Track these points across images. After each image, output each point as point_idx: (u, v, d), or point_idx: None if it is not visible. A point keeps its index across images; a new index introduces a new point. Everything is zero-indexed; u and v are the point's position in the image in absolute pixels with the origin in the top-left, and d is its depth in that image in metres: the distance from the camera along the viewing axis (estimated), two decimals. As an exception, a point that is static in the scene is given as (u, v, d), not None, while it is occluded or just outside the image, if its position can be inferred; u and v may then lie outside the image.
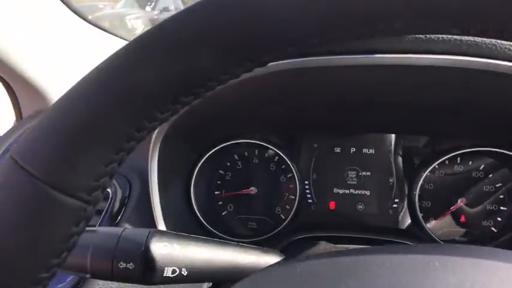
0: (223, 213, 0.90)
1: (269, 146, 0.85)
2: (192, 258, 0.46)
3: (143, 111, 0.24)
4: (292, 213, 0.85)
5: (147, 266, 0.43)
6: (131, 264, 0.44)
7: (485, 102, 0.60)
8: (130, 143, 0.25)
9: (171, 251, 0.45)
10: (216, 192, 0.90)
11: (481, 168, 0.84)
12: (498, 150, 0.75)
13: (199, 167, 0.81)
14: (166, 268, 0.45)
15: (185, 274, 0.46)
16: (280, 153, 0.85)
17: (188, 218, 0.78)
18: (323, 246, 0.70)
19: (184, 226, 0.74)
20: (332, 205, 0.90)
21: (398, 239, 0.83)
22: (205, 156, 0.81)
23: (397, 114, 0.73)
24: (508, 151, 0.74)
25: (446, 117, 0.70)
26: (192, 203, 0.79)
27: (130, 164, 0.69)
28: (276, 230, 0.84)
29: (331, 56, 0.53)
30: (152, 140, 0.64)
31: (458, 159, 0.85)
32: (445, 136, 0.81)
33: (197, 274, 0.47)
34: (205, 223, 0.80)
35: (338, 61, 0.52)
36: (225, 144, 0.82)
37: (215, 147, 0.81)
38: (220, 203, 0.90)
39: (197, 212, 0.80)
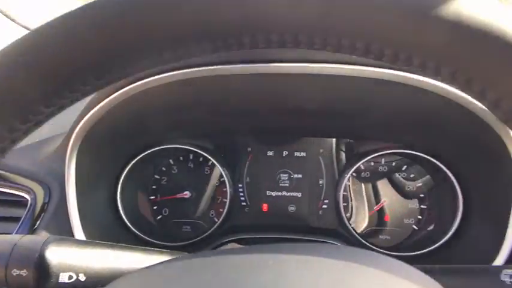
0: (158, 218, 0.91)
1: (198, 151, 0.86)
2: (91, 263, 0.47)
3: (33, 100, 0.26)
4: (223, 216, 0.87)
5: (41, 273, 0.44)
6: (25, 271, 0.44)
7: (387, 108, 0.64)
8: (27, 124, 0.27)
9: (68, 257, 0.46)
10: (151, 197, 0.91)
11: (403, 169, 0.88)
12: (411, 152, 0.80)
13: (128, 172, 0.82)
14: (61, 274, 0.45)
15: (83, 280, 0.47)
16: (210, 158, 0.86)
17: (114, 224, 0.78)
18: (230, 246, 0.73)
19: (110, 233, 0.75)
20: (265, 207, 0.92)
21: (327, 239, 0.87)
22: (132, 162, 0.81)
23: (316, 119, 0.76)
24: (420, 153, 0.79)
25: (361, 121, 0.73)
26: (118, 209, 0.80)
27: (51, 171, 0.69)
28: (207, 233, 0.85)
29: (234, 65, 0.56)
30: (70, 146, 0.64)
31: (383, 160, 0.89)
32: (367, 139, 0.85)
33: (97, 279, 0.48)
34: (133, 229, 0.81)
35: (239, 70, 0.55)
36: (152, 150, 0.83)
37: (142, 153, 0.82)
38: (156, 207, 0.91)
39: (124, 218, 0.80)
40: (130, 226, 0.80)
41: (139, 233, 0.81)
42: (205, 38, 0.26)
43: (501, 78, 0.24)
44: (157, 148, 0.83)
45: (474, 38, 0.23)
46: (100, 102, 0.60)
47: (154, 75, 0.57)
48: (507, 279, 0.41)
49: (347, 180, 0.85)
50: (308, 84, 0.60)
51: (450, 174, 0.75)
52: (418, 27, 0.24)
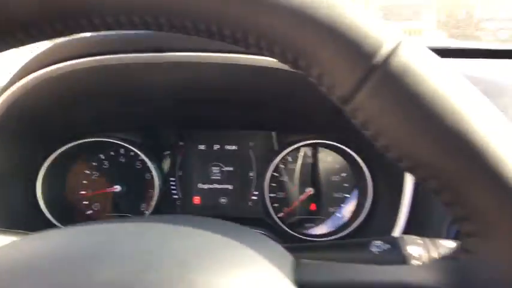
0: (88, 212, 0.91)
1: (125, 145, 0.87)
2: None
3: None
4: (152, 208, 0.88)
5: None
6: None
7: (290, 99, 0.67)
8: None
9: None
10: (82, 192, 0.92)
11: (329, 159, 0.92)
12: (330, 142, 0.83)
13: (50, 166, 0.82)
14: None
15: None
16: (138, 152, 0.88)
17: (35, 218, 0.78)
18: None
19: (30, 226, 0.75)
20: (196, 200, 0.95)
21: (255, 229, 0.89)
22: (53, 156, 0.81)
23: (234, 112, 0.79)
24: (337, 143, 0.83)
25: (274, 112, 0.76)
26: (38, 204, 0.80)
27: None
28: (135, 225, 0.86)
29: (135, 54, 0.58)
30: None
31: (309, 152, 0.92)
32: (292, 131, 0.88)
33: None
34: (58, 224, 0.81)
35: (135, 59, 0.57)
36: (76, 143, 0.84)
37: (63, 146, 0.82)
38: (86, 202, 0.92)
39: (47, 212, 0.80)
40: (54, 220, 0.80)
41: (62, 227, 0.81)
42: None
43: (319, 55, 0.26)
44: (82, 141, 0.84)
45: (291, 16, 0.26)
46: (3, 92, 0.60)
47: (55, 63, 0.58)
48: (375, 249, 0.44)
49: (272, 171, 0.88)
50: (211, 74, 0.62)
51: (361, 161, 0.79)
52: (246, 8, 0.26)
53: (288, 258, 0.35)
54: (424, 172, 0.25)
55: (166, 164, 0.94)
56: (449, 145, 0.24)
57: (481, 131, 0.23)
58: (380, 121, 0.25)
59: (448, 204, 0.26)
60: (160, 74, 0.60)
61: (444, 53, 1.02)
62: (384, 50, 0.24)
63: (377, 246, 0.45)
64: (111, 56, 0.56)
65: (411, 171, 0.26)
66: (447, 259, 0.29)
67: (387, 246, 0.43)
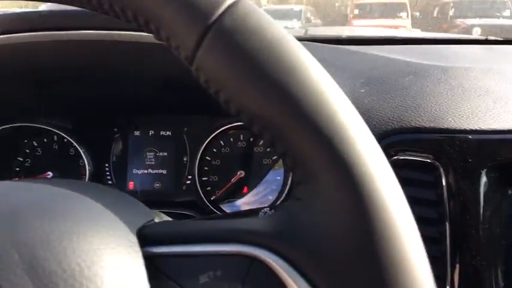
0: (20, 199, 0.91)
1: (55, 131, 0.88)
2: None
3: None
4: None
5: None
6: None
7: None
8: None
9: None
10: (15, 179, 0.92)
11: (260, 143, 0.94)
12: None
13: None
14: None
15: None
16: (67, 137, 0.88)
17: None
18: None
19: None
20: (131, 185, 0.95)
21: (187, 212, 0.91)
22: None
23: (164, 95, 0.80)
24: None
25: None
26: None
27: None
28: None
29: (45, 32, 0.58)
30: None
31: (241, 135, 0.94)
32: (221, 114, 0.90)
33: None
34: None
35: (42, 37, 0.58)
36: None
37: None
38: (19, 189, 0.92)
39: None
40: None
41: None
42: None
43: (163, 17, 0.28)
44: (7, 126, 0.84)
45: None
46: None
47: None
48: (261, 215, 0.47)
49: (203, 155, 0.90)
50: (117, 52, 0.63)
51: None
52: None
53: (145, 216, 0.36)
54: (258, 124, 0.27)
55: (99, 150, 0.94)
56: (274, 96, 0.25)
57: (298, 83, 0.25)
58: (217, 77, 0.27)
59: (281, 156, 0.27)
60: (61, 54, 0.61)
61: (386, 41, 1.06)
62: (219, 10, 0.26)
63: (264, 212, 0.48)
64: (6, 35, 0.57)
65: (249, 125, 0.27)
66: (282, 209, 0.30)
67: (272, 211, 0.46)
